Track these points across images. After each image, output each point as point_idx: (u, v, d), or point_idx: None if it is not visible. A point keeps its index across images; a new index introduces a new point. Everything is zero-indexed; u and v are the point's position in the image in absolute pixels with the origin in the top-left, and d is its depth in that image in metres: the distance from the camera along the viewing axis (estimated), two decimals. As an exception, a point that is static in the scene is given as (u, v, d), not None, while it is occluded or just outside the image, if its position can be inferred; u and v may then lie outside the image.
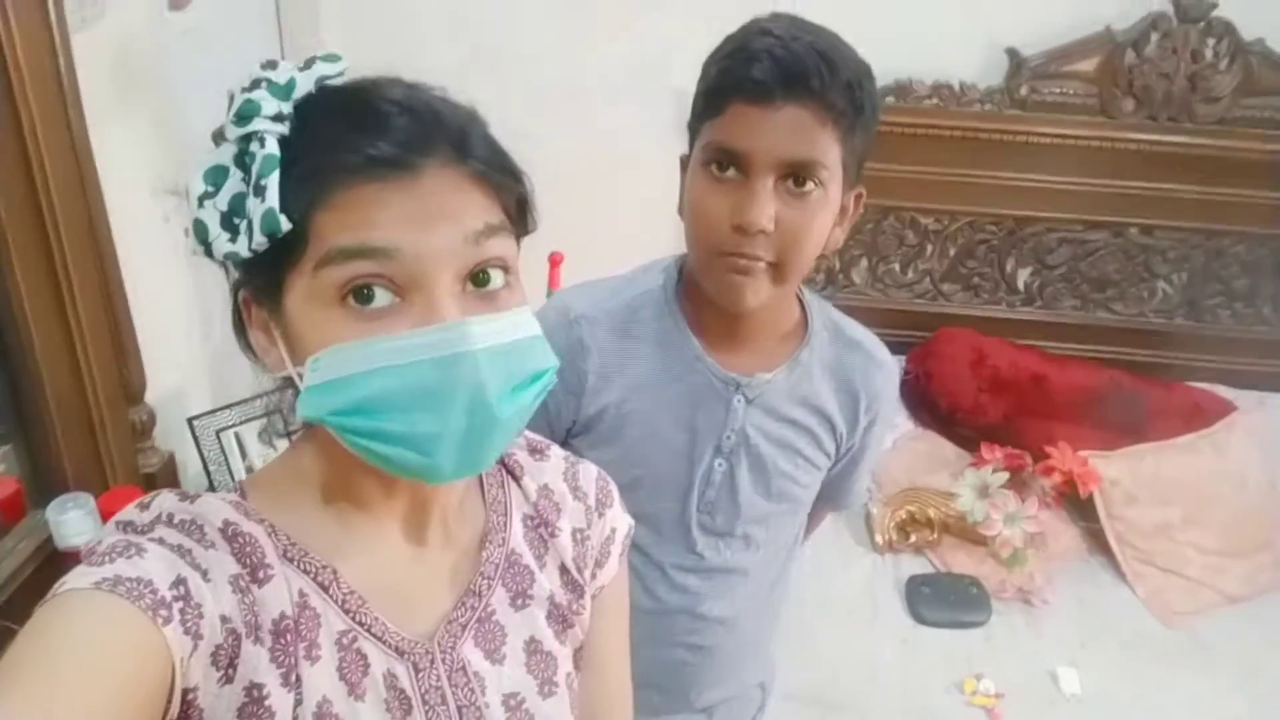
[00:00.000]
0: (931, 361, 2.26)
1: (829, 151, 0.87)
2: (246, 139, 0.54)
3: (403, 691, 0.61)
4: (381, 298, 0.53)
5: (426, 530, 0.66)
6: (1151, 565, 1.98)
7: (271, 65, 0.56)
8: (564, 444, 1.07)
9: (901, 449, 2.22)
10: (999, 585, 1.93)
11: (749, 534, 1.07)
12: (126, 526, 0.56)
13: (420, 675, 0.62)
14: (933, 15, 2.15)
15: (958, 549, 2.03)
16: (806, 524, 1.21)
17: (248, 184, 0.54)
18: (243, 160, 0.55)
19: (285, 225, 0.53)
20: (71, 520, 1.24)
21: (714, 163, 0.90)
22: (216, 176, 0.55)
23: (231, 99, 0.55)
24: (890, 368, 1.10)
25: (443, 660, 0.63)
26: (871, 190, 2.38)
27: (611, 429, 1.03)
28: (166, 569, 0.52)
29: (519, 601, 0.69)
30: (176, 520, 0.57)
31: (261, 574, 0.57)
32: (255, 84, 0.55)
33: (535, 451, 0.75)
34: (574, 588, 0.72)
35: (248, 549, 0.57)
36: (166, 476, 1.44)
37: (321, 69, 0.57)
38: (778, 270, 0.91)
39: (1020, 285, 2.39)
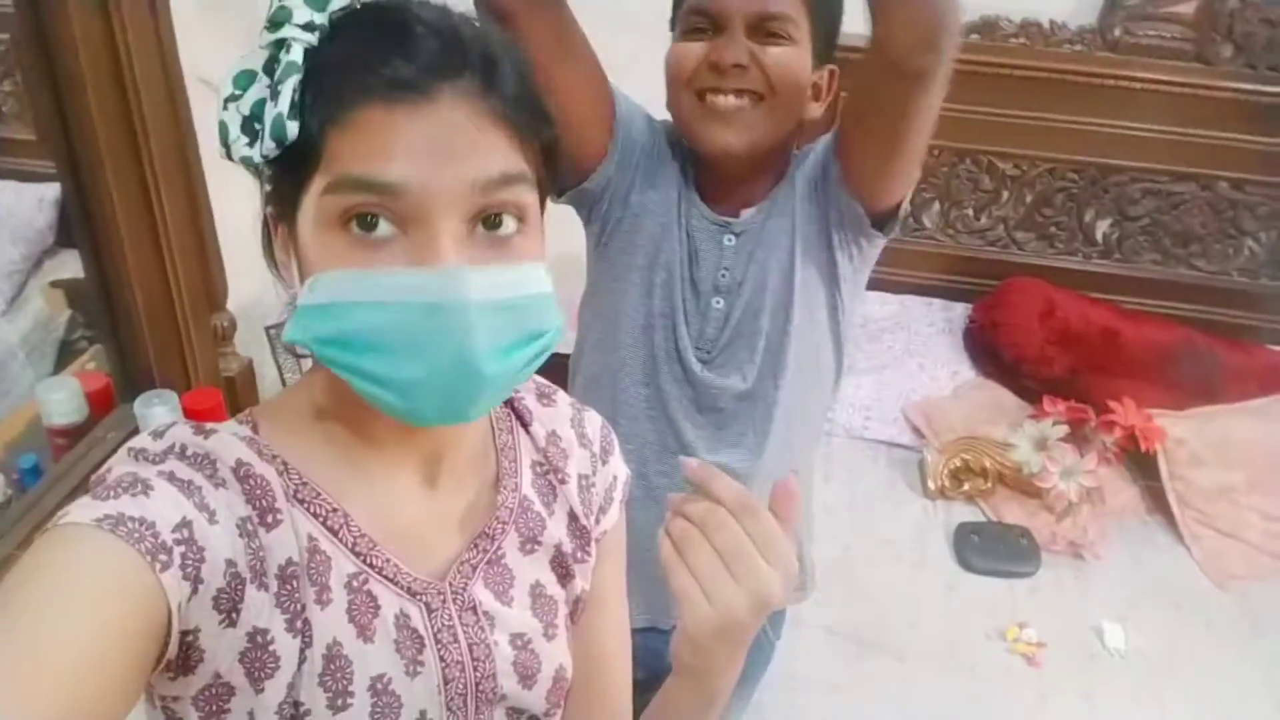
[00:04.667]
0: (999, 311, 2.23)
1: (797, 9, 1.00)
2: (277, 45, 0.53)
3: (415, 631, 0.62)
4: (384, 228, 0.52)
5: (440, 473, 0.65)
6: (1211, 528, 1.95)
7: None
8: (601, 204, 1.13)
9: (962, 397, 2.20)
10: (1050, 537, 1.92)
11: (757, 370, 1.12)
12: (139, 454, 0.56)
13: (433, 615, 0.63)
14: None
15: (1010, 500, 2.03)
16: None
17: (271, 90, 0.53)
18: (270, 67, 0.54)
19: (292, 132, 0.52)
20: (156, 414, 1.31)
21: (692, 29, 1.03)
22: (245, 80, 0.54)
23: (270, 4, 0.54)
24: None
25: (454, 600, 0.64)
26: (947, 132, 2.31)
27: (626, 230, 1.12)
28: (172, 509, 0.51)
29: (528, 547, 0.69)
30: (189, 453, 0.55)
31: (270, 519, 0.56)
32: None
33: (543, 397, 0.75)
34: (580, 534, 0.73)
35: (258, 491, 0.56)
36: (245, 380, 1.51)
37: None
38: (762, 101, 1.01)
39: (1098, 236, 2.32)
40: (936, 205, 2.33)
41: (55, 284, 1.74)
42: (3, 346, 1.66)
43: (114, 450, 1.35)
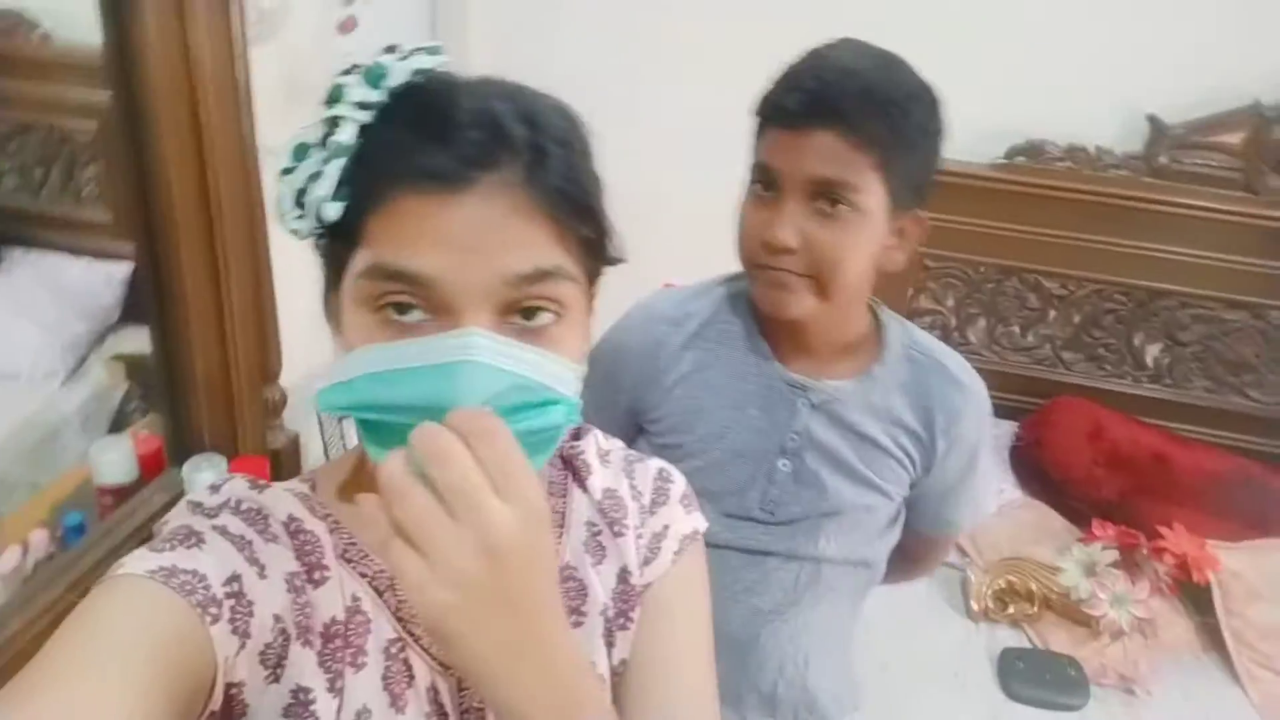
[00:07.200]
0: (1045, 430, 2.19)
1: (862, 175, 0.90)
2: (332, 121, 0.54)
3: (442, 706, 0.60)
4: (416, 315, 0.52)
5: None
6: (1269, 669, 1.84)
7: (390, 49, 0.56)
8: (636, 435, 1.11)
9: (1006, 516, 2.14)
10: (1099, 669, 1.83)
11: (818, 527, 1.07)
12: (196, 507, 0.57)
13: (464, 693, 0.61)
14: (1070, 76, 2.10)
15: (1057, 627, 1.94)
16: (903, 563, 1.17)
17: (320, 167, 0.54)
18: (325, 141, 0.54)
19: (333, 214, 0.53)
20: (203, 479, 1.34)
21: (758, 181, 0.96)
22: (300, 153, 0.55)
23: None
24: (973, 390, 1.07)
25: None
26: (992, 249, 2.32)
27: (681, 424, 1.07)
28: (223, 563, 0.52)
29: (573, 619, 0.66)
30: (244, 508, 0.57)
31: (318, 575, 0.57)
32: (350, 70, 0.55)
33: (602, 455, 0.74)
34: (627, 597, 0.69)
35: (308, 547, 0.57)
36: (290, 454, 1.54)
37: (419, 60, 0.55)
38: (817, 285, 0.95)
39: (1148, 360, 2.30)
40: (982, 321, 2.33)
41: (117, 357, 1.82)
42: (58, 414, 1.72)
43: (159, 511, 1.37)
